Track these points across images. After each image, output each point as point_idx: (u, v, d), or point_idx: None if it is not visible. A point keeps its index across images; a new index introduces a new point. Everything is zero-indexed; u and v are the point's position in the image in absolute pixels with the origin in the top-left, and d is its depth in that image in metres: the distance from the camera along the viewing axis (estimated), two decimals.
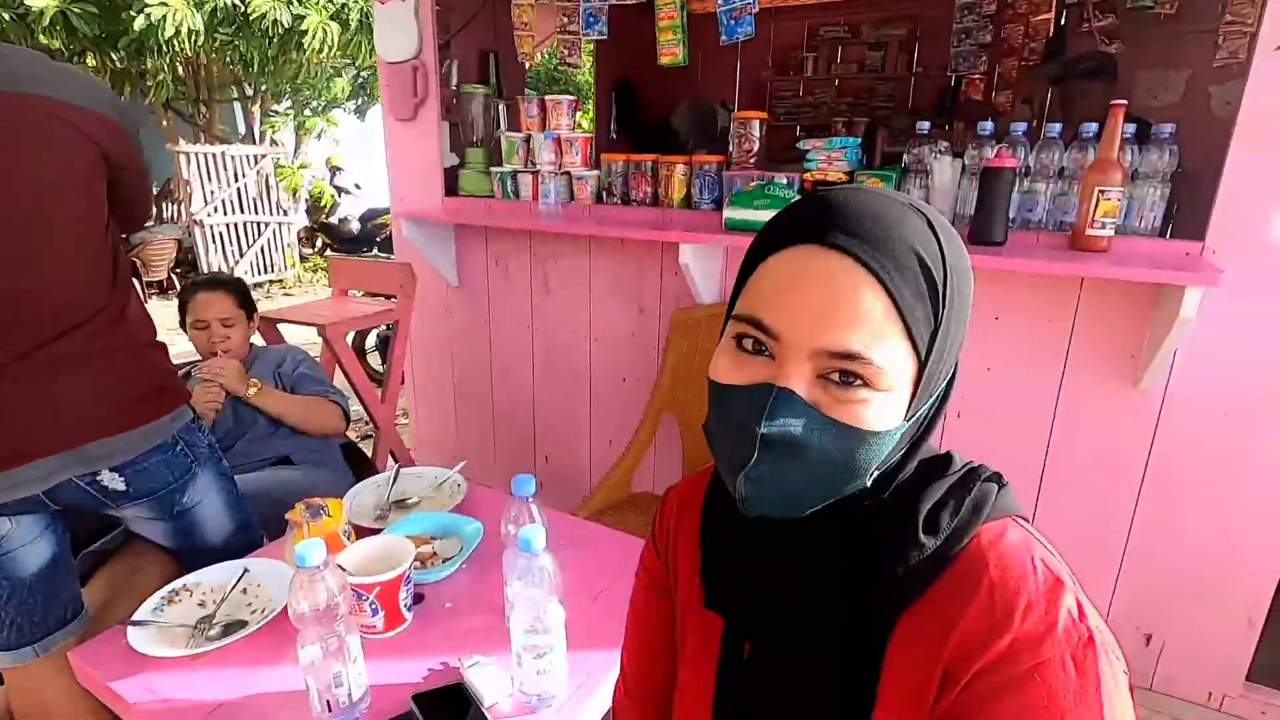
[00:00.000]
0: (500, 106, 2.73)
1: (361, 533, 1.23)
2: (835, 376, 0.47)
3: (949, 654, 0.48)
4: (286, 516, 1.18)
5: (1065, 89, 2.43)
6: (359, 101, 8.68)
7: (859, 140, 1.90)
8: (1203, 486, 1.58)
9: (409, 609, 1.07)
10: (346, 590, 0.88)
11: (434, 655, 1.01)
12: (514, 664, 0.92)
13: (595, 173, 2.26)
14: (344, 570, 0.98)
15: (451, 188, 2.52)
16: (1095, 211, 1.49)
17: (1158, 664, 1.72)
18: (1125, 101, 1.48)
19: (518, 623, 0.89)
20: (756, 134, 2.02)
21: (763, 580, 0.57)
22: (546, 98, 2.32)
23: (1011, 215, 1.69)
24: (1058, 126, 1.66)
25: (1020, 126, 1.69)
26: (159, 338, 1.24)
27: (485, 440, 2.70)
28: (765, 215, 1.79)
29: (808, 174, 1.90)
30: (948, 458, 0.56)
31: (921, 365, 0.48)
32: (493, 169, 2.43)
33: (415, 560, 1.16)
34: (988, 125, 1.73)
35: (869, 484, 0.50)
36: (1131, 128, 1.58)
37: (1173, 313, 1.39)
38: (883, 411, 0.48)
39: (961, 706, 0.47)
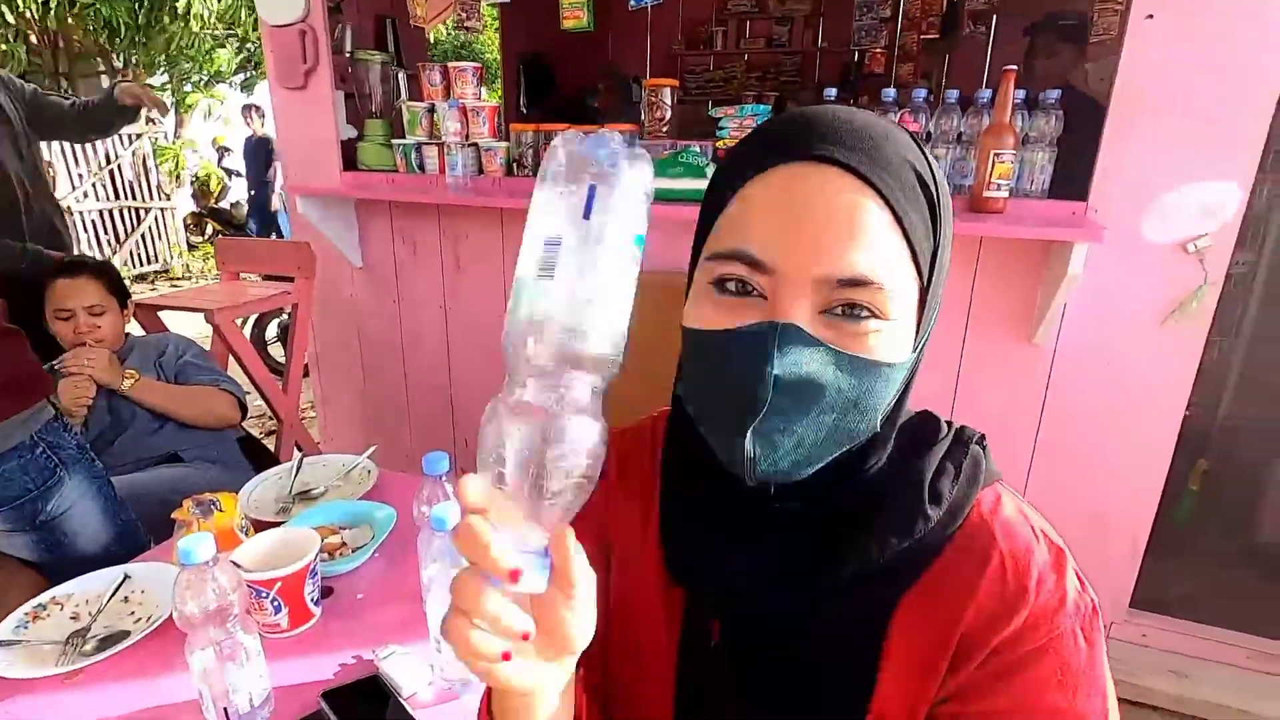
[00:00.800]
0: (400, 75, 2.58)
1: (263, 529, 1.14)
2: (840, 310, 0.42)
3: (964, 630, 0.45)
4: (173, 515, 1.08)
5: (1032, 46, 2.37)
6: (246, 76, 8.09)
7: (769, 108, 1.90)
8: (1090, 432, 1.69)
9: (316, 604, 0.99)
10: (241, 588, 0.81)
11: (346, 650, 0.95)
12: (433, 650, 0.87)
13: (504, 144, 2.17)
14: (238, 567, 0.90)
15: (350, 162, 2.37)
16: (991, 174, 1.55)
17: None
18: (1015, 67, 1.54)
19: (436, 606, 0.85)
20: (668, 102, 1.99)
21: (745, 556, 0.49)
22: (450, 64, 2.20)
23: None
24: (955, 93, 1.72)
25: (920, 93, 1.74)
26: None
27: (399, 427, 2.59)
28: (681, 183, 1.79)
29: (720, 142, 1.90)
30: (930, 416, 0.52)
31: (925, 288, 0.44)
32: (395, 141, 2.30)
33: (322, 552, 1.09)
34: (890, 92, 1.76)
35: (879, 427, 0.45)
36: (1022, 94, 1.65)
37: (1062, 269, 1.47)
38: (894, 341, 0.43)
39: (977, 681, 0.45)
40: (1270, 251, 2.34)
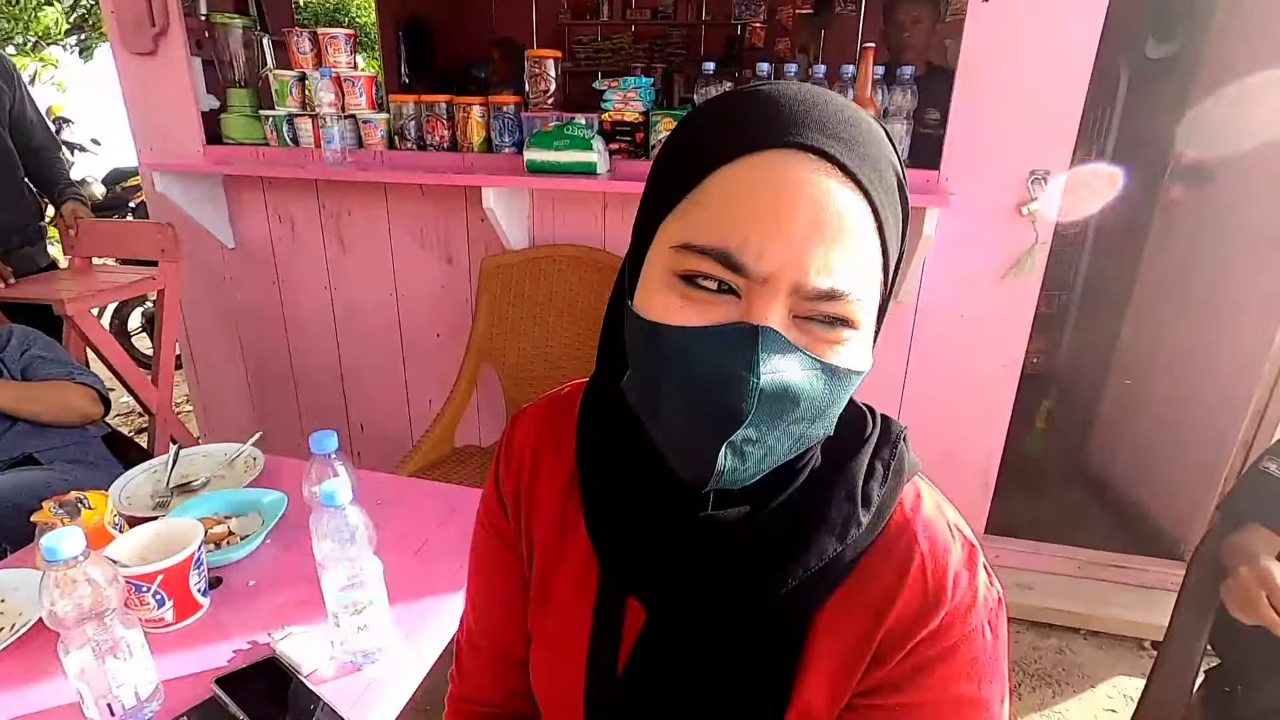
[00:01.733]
0: (265, 41, 2.41)
1: (139, 525, 1.08)
2: (818, 318, 0.39)
3: (885, 630, 0.46)
4: (33, 519, 1.01)
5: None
6: (81, 37, 7.22)
7: (652, 80, 1.94)
8: (948, 379, 1.88)
9: (204, 594, 0.97)
10: (118, 583, 0.78)
11: (240, 636, 0.94)
12: (331, 626, 0.87)
13: (385, 116, 2.10)
14: (114, 562, 0.86)
15: (215, 135, 2.21)
16: None
17: None
18: (873, 45, 1.65)
19: (330, 582, 0.85)
20: (552, 73, 1.98)
21: (674, 553, 0.47)
22: (319, 31, 2.09)
23: None
24: (822, 68, 1.82)
25: (791, 68, 1.83)
26: None
27: (289, 416, 2.48)
28: (566, 156, 1.80)
29: (605, 114, 1.92)
30: (856, 406, 0.51)
31: (886, 294, 0.43)
32: (263, 112, 2.17)
33: (208, 542, 1.06)
34: (764, 66, 1.84)
35: (830, 432, 0.44)
36: (880, 70, 1.78)
37: (918, 232, 1.61)
38: (861, 349, 0.42)
39: (894, 677, 0.46)
40: (1099, 213, 2.64)
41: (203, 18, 2.26)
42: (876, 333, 0.45)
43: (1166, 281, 2.30)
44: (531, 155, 1.83)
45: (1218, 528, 1.21)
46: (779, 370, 0.38)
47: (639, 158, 1.93)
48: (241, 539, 1.09)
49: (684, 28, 3.95)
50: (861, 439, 0.48)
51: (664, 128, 1.90)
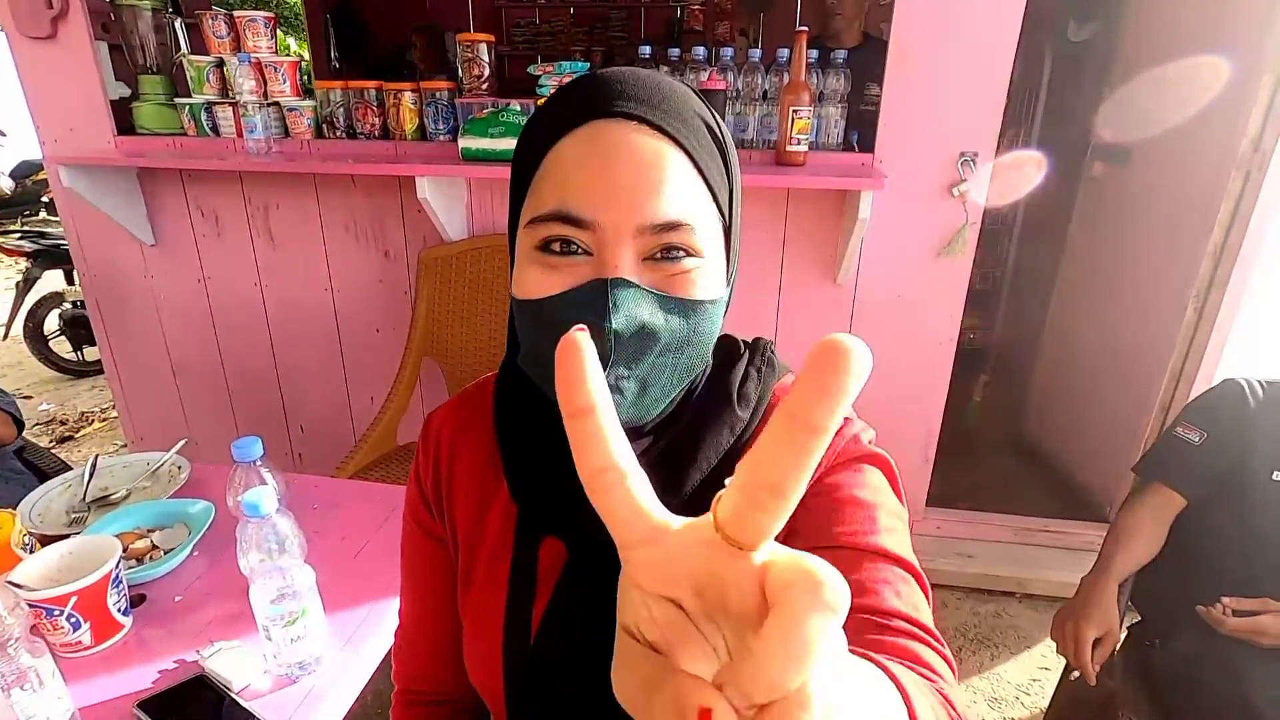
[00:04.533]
0: (177, 24, 2.28)
1: (51, 544, 1.02)
2: (659, 254, 0.45)
3: None
4: None
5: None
6: None
7: (589, 65, 1.91)
8: (886, 356, 1.92)
9: (125, 613, 0.92)
10: (20, 610, 0.74)
11: (166, 656, 0.89)
12: (263, 639, 0.84)
13: (311, 103, 2.01)
14: (19, 587, 0.81)
15: (126, 125, 2.08)
16: (791, 129, 1.67)
17: None
18: (806, 29, 1.66)
19: (260, 594, 0.82)
20: (486, 58, 1.93)
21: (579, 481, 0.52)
22: (236, 14, 1.98)
23: None
24: (758, 52, 1.82)
25: (728, 52, 1.82)
26: None
27: (223, 420, 2.38)
28: (502, 144, 1.76)
29: (541, 99, 1.88)
30: (729, 338, 0.58)
31: (727, 226, 0.49)
32: (179, 100, 2.05)
33: (129, 558, 1.00)
34: (700, 50, 1.83)
35: (708, 359, 0.51)
36: (815, 54, 1.79)
37: (854, 215, 1.64)
38: (710, 278, 0.47)
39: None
40: (1026, 194, 2.73)
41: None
42: (730, 265, 0.51)
43: (1090, 257, 2.41)
44: (466, 143, 1.78)
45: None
46: (632, 312, 0.43)
47: None
48: (166, 553, 1.04)
49: (624, 10, 3.90)
50: (737, 356, 0.56)
51: None
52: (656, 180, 0.43)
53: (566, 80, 1.72)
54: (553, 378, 0.43)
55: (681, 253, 0.45)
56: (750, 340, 0.59)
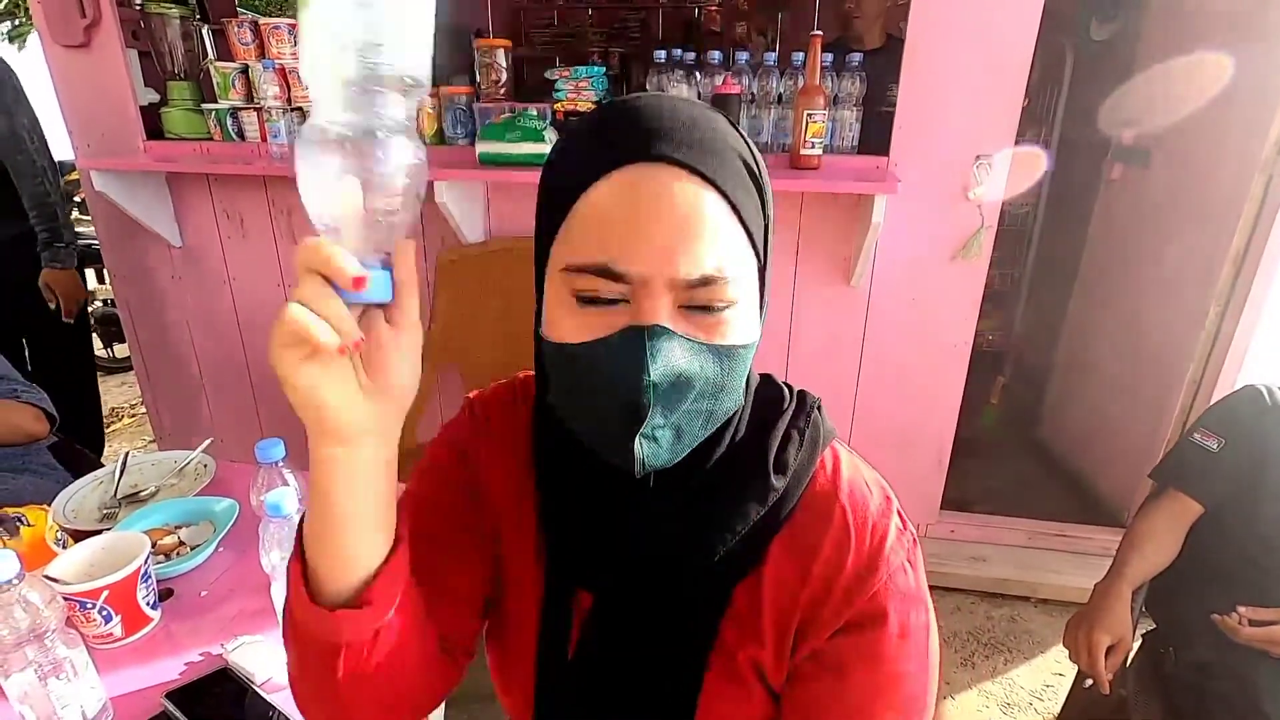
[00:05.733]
0: (205, 31, 2.33)
1: (85, 539, 1.06)
2: (696, 305, 0.44)
3: (816, 576, 0.50)
4: None
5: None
6: (15, 24, 6.90)
7: (604, 69, 1.93)
8: (901, 360, 1.92)
9: (154, 607, 0.96)
10: (57, 602, 0.77)
11: (192, 649, 0.93)
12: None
13: None
14: (54, 581, 0.85)
15: (155, 130, 2.14)
16: (806, 133, 1.68)
17: None
18: (820, 33, 1.66)
19: (282, 593, 0.85)
20: (503, 63, 1.96)
21: (612, 537, 0.52)
22: (261, 21, 2.03)
23: None
24: (773, 55, 1.83)
25: (743, 55, 1.83)
26: None
27: (246, 417, 2.43)
28: (519, 148, 1.78)
29: (558, 104, 1.91)
30: (773, 383, 0.56)
31: (762, 266, 0.48)
32: (206, 106, 2.10)
33: (157, 554, 1.04)
34: (716, 55, 1.84)
35: (743, 400, 0.50)
36: (830, 57, 1.79)
37: (869, 218, 1.64)
38: (745, 322, 0.47)
39: (826, 618, 0.51)
40: (1048, 193, 2.71)
41: (137, 7, 2.18)
42: (762, 303, 0.50)
43: (1109, 259, 2.38)
44: (484, 148, 1.81)
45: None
46: (669, 361, 0.43)
47: None
48: (192, 549, 1.07)
49: (642, 11, 3.91)
50: (779, 412, 0.54)
51: None
52: (696, 233, 0.42)
53: (583, 85, 1.72)
54: (585, 423, 0.48)
55: (720, 304, 0.44)
56: (796, 391, 0.57)
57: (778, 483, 0.51)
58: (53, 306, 2.10)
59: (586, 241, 0.43)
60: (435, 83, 2.17)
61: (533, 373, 0.59)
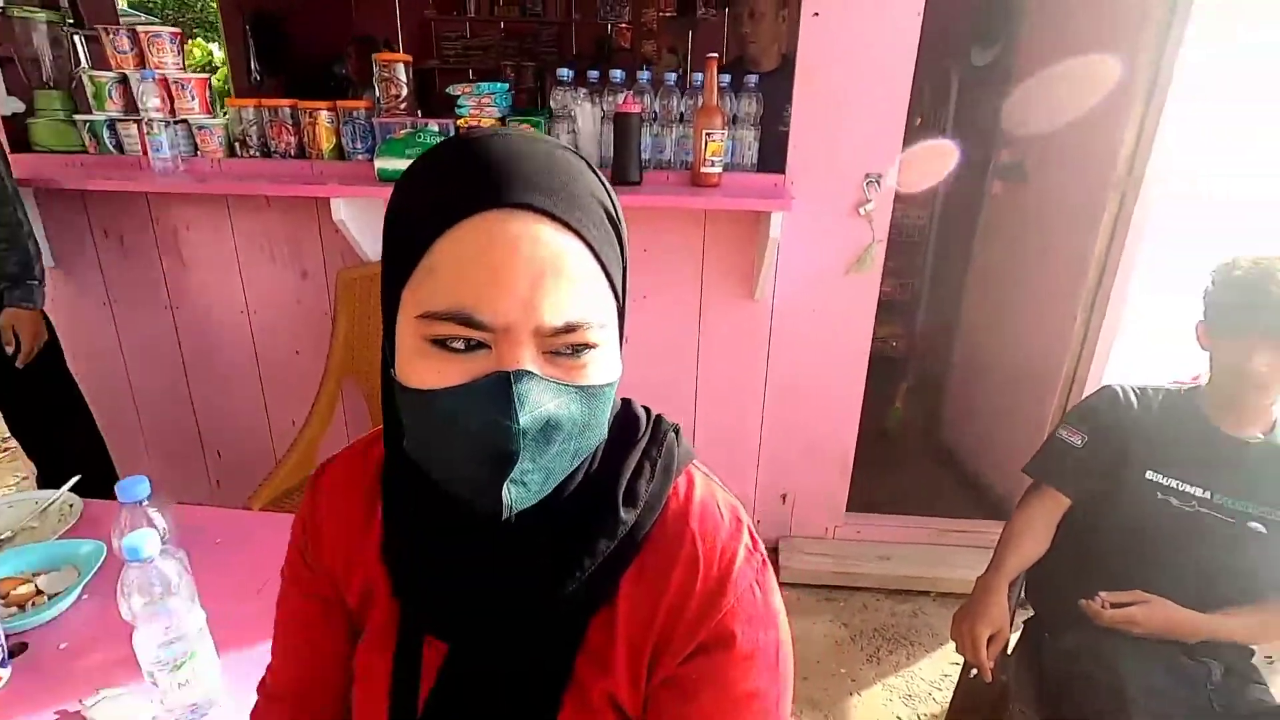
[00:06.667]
0: (78, 38, 2.19)
1: None
2: (558, 350, 0.44)
3: (668, 605, 0.50)
4: None
5: None
6: None
7: (507, 85, 1.92)
8: (804, 369, 1.99)
9: (2, 665, 0.88)
10: None
11: (47, 709, 0.86)
12: (148, 685, 0.82)
13: (221, 121, 1.96)
14: None
15: (20, 142, 1.98)
16: (705, 151, 1.73)
17: (791, 514, 2.17)
18: (716, 55, 1.71)
19: (144, 639, 0.80)
20: (403, 78, 1.92)
21: (473, 576, 0.51)
22: (140, 28, 1.92)
23: (647, 157, 1.89)
24: (674, 75, 1.87)
25: (645, 75, 1.86)
26: None
27: (132, 448, 2.27)
28: None
29: (460, 120, 1.89)
30: (631, 411, 0.56)
31: (621, 306, 0.48)
32: (78, 117, 1.97)
33: (11, 604, 0.96)
34: (618, 73, 1.87)
35: (604, 438, 0.50)
36: (728, 78, 1.84)
37: (768, 234, 1.70)
38: (607, 362, 0.46)
39: (679, 642, 0.51)
40: (940, 207, 2.87)
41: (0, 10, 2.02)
42: (621, 337, 0.50)
43: (994, 269, 2.55)
44: (382, 164, 1.77)
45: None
46: (537, 406, 0.42)
47: None
48: (51, 598, 0.99)
49: (554, 26, 3.93)
50: (634, 441, 0.53)
51: None
52: (557, 281, 0.42)
53: (486, 101, 1.71)
54: (448, 470, 0.47)
55: (583, 349, 0.44)
56: (653, 417, 0.56)
57: (628, 516, 0.50)
58: (10, 350, 1.77)
59: (444, 289, 0.42)
60: (347, 92, 2.11)
61: (379, 431, 0.58)
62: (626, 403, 0.57)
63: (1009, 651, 1.35)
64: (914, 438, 2.89)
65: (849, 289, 1.89)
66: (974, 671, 1.28)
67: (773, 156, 1.89)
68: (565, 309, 0.42)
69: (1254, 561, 1.21)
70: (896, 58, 1.69)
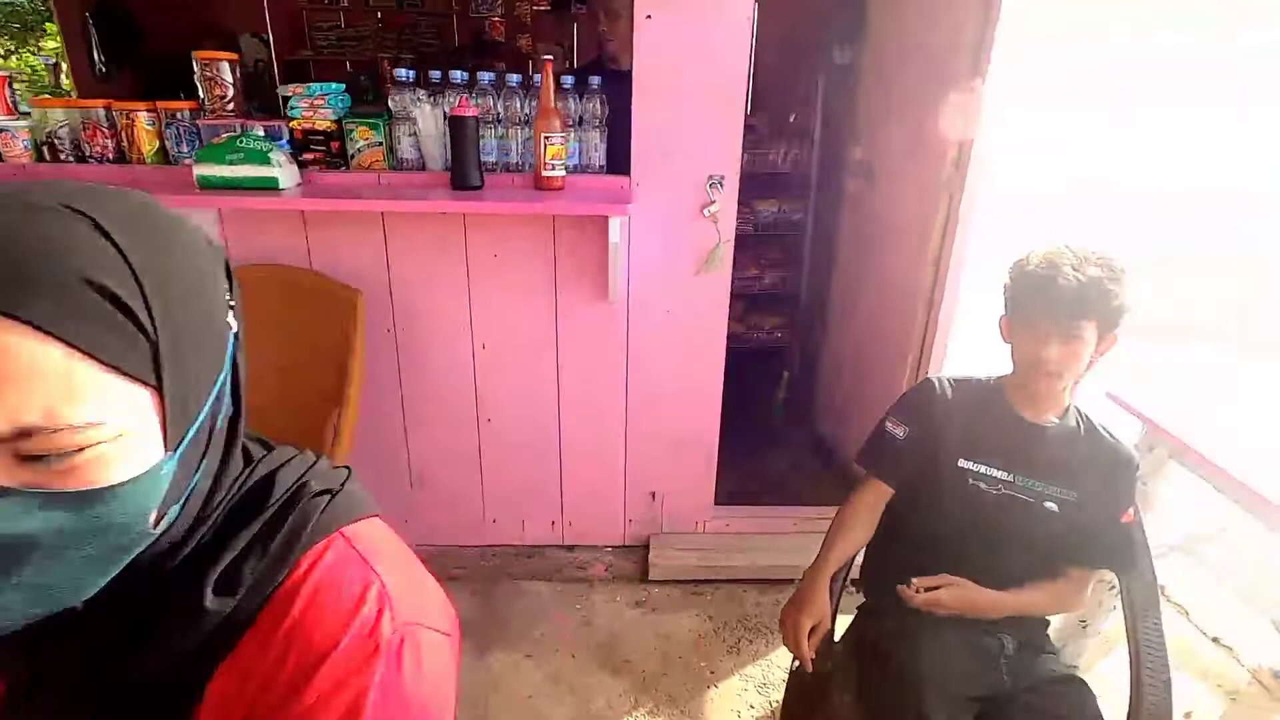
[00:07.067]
0: None
1: None
2: (36, 454, 0.38)
3: (248, 706, 0.46)
4: None
5: None
6: None
7: (344, 86, 1.84)
8: (663, 370, 2.01)
9: None
10: None
11: None
12: None
13: (26, 123, 1.80)
14: None
15: None
16: (546, 155, 1.71)
17: (662, 511, 2.19)
18: (551, 56, 1.69)
19: None
20: (228, 78, 1.81)
21: (34, 669, 0.47)
22: None
23: (494, 160, 1.85)
24: (518, 77, 1.84)
25: (486, 76, 1.82)
26: None
27: None
28: (239, 171, 1.66)
29: (294, 122, 1.80)
30: (266, 481, 0.51)
31: (160, 390, 0.41)
32: None
33: None
34: (459, 75, 1.82)
35: (156, 530, 0.43)
36: (572, 79, 1.83)
37: (605, 238, 1.69)
38: (126, 458, 0.40)
39: None
40: (814, 203, 2.95)
41: None
42: (181, 420, 0.43)
43: (853, 263, 2.64)
44: (202, 170, 1.66)
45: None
46: None
47: (339, 168, 1.83)
48: None
49: (434, 18, 3.80)
50: (255, 517, 0.49)
51: (359, 136, 1.82)
52: (10, 383, 0.36)
53: (319, 102, 1.62)
54: None
55: (70, 449, 0.38)
56: (298, 484, 0.51)
57: (218, 604, 0.46)
58: None
59: None
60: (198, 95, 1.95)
61: None
62: (270, 473, 0.52)
63: (834, 642, 1.40)
64: (795, 428, 2.98)
65: (701, 288, 1.91)
66: (798, 663, 1.32)
67: (625, 159, 1.88)
68: (17, 412, 0.36)
69: (1049, 539, 1.30)
70: (730, 60, 1.72)
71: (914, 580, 1.30)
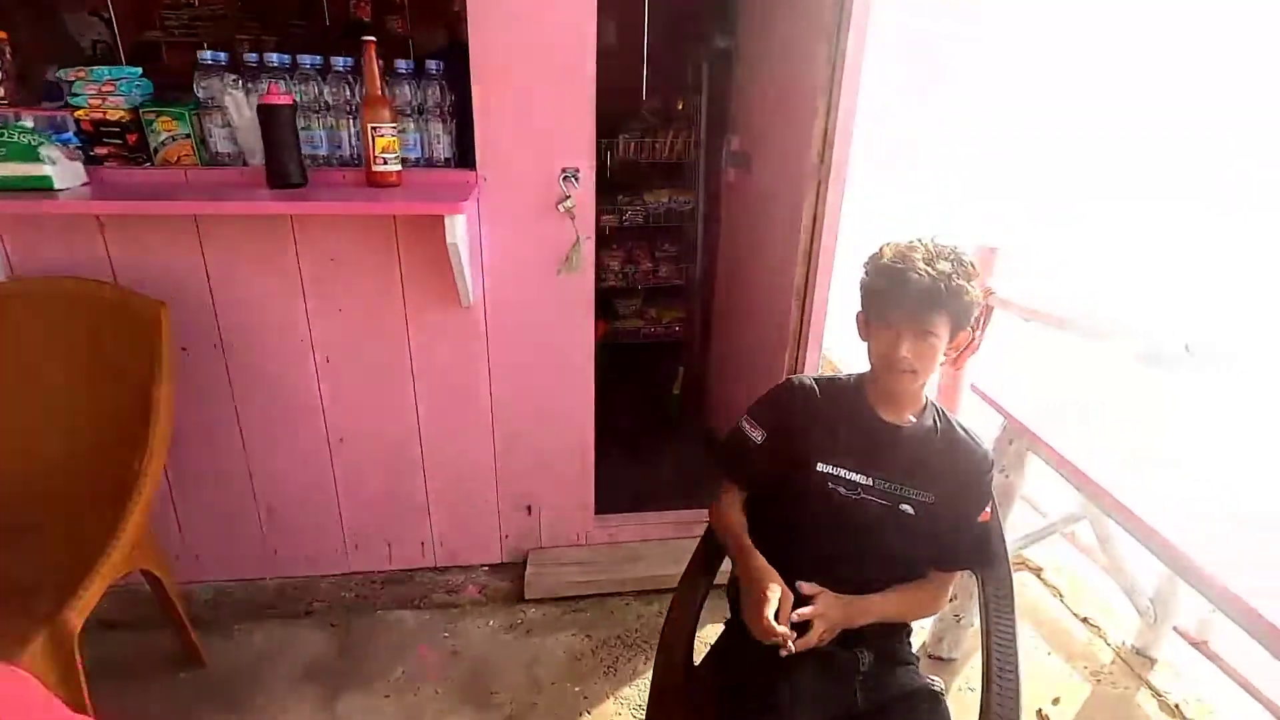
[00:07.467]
0: None
1: None
2: None
3: None
4: None
5: None
6: None
7: (140, 71, 1.61)
8: (529, 377, 1.88)
9: None
10: None
11: None
12: None
13: None
14: None
15: None
16: (376, 148, 1.54)
17: (540, 525, 2.07)
18: (374, 39, 1.52)
19: None
20: None
21: None
22: None
23: (324, 153, 1.67)
24: (347, 60, 1.65)
25: (310, 59, 1.63)
26: None
27: None
28: (5, 170, 1.42)
29: (80, 111, 1.57)
30: None
31: None
32: None
33: None
34: (276, 57, 1.62)
35: None
36: (407, 64, 1.66)
37: (443, 240, 1.54)
38: None
39: None
40: (702, 193, 2.86)
41: None
42: None
43: (736, 255, 2.58)
44: None
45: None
46: None
47: (138, 164, 1.61)
48: None
49: None
50: None
51: (161, 127, 1.60)
52: None
53: (107, 88, 1.40)
54: None
55: None
56: None
57: None
58: None
59: None
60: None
61: None
62: None
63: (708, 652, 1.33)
64: (689, 424, 2.91)
65: (563, 289, 1.79)
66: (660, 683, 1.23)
67: (464, 152, 1.73)
68: None
69: (908, 541, 1.25)
70: (575, 46, 1.59)
71: (793, 616, 1.18)
